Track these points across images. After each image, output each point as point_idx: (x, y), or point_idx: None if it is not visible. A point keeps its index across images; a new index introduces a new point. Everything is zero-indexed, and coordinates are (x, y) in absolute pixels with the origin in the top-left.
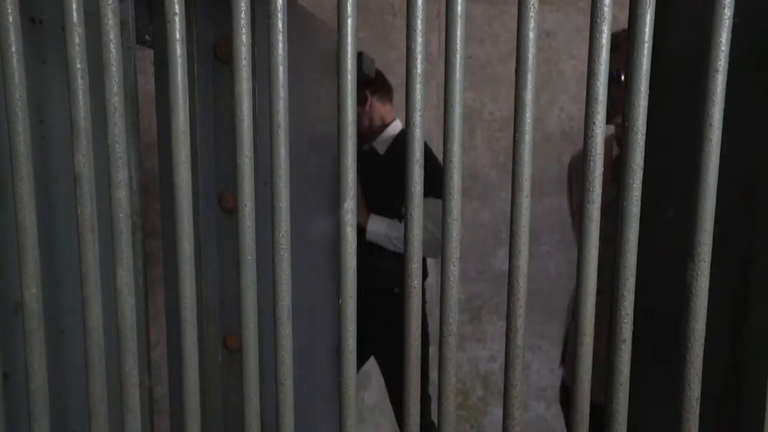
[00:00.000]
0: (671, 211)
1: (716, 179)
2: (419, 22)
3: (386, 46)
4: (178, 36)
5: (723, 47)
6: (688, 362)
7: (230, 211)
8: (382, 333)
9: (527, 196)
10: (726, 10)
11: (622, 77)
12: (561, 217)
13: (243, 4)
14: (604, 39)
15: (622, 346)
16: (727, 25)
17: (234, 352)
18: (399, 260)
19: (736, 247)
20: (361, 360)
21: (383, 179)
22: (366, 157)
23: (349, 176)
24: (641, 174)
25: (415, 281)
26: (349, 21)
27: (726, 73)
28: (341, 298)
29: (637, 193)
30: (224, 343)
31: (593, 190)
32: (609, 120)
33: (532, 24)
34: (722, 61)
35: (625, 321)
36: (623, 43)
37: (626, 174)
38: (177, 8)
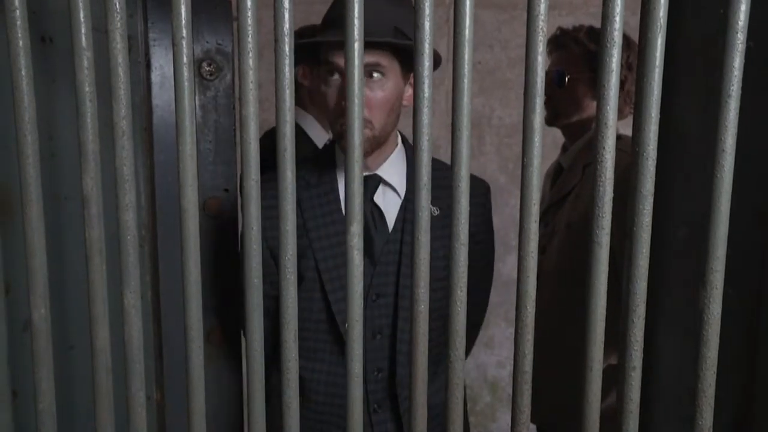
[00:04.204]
0: (682, 230)
1: (729, 206)
2: (426, 45)
3: None
4: (185, 60)
5: (736, 72)
6: (700, 391)
7: (213, 216)
8: None
9: (536, 221)
10: (739, 34)
11: (566, 79)
12: None
13: (250, 29)
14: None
15: (632, 374)
16: (740, 50)
17: (217, 345)
18: None
19: (749, 271)
20: None
21: None
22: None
23: (355, 200)
24: (651, 200)
25: (421, 306)
26: (357, 45)
27: (739, 99)
28: (348, 323)
29: (648, 219)
30: (207, 337)
31: (603, 216)
32: (553, 122)
33: (540, 48)
34: (735, 86)
35: (635, 348)
36: (569, 43)
37: (637, 200)
38: (184, 32)
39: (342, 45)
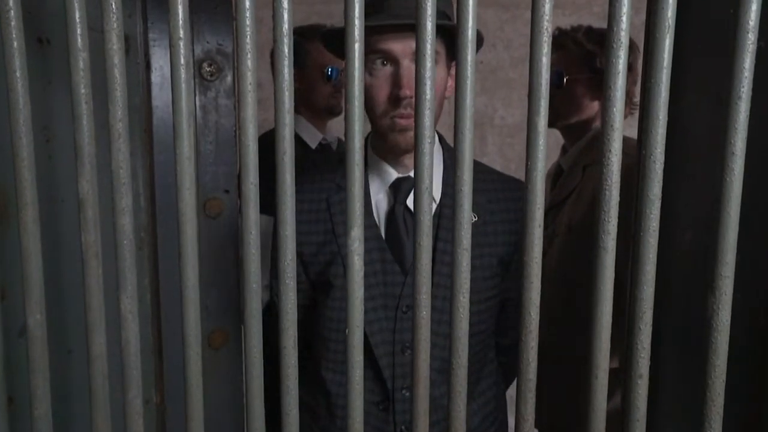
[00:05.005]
0: (689, 233)
1: (738, 210)
2: (429, 45)
3: None
4: (182, 61)
5: (746, 73)
6: (708, 399)
7: (214, 217)
8: None
9: (540, 226)
10: (750, 34)
11: (565, 79)
12: None
13: (249, 30)
14: (622, 61)
15: (639, 381)
16: (751, 50)
17: (217, 348)
18: None
19: (757, 275)
20: None
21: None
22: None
23: (356, 204)
24: (659, 204)
25: (423, 312)
26: (357, 46)
27: (749, 101)
28: (348, 328)
29: (655, 224)
30: (208, 340)
31: (609, 221)
32: (552, 123)
33: (545, 49)
34: (745, 88)
35: (642, 356)
36: (568, 43)
37: (644, 204)
38: (182, 32)
39: (394, 30)
